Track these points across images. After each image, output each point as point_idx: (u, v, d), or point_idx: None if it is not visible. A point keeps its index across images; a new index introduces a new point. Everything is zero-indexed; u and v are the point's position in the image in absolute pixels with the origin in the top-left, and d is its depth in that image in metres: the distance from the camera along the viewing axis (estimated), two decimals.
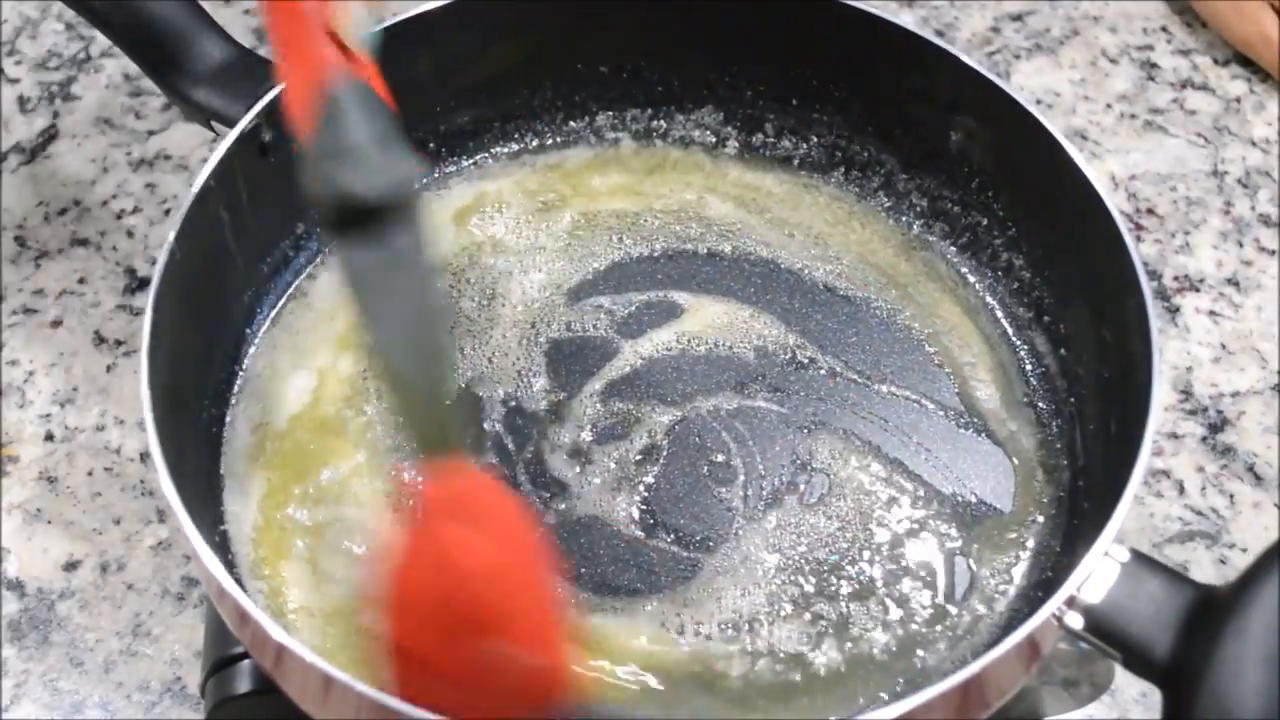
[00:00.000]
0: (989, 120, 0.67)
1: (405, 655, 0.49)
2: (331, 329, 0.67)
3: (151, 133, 0.89)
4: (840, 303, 0.68)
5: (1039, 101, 0.90)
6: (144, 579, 0.71)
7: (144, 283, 0.82)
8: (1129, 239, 0.58)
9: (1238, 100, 0.91)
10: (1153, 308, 0.56)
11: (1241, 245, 0.84)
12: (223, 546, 0.60)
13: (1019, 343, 0.67)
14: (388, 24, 0.67)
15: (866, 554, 0.60)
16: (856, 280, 0.69)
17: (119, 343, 0.79)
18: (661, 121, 0.74)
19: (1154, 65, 0.92)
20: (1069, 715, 0.64)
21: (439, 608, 0.48)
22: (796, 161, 0.73)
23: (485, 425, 0.63)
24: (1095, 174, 0.61)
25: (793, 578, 0.59)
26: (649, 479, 0.62)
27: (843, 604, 0.59)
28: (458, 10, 0.67)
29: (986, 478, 0.62)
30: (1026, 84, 0.91)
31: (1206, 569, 0.71)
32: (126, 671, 0.69)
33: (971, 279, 0.69)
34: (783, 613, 0.58)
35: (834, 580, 0.59)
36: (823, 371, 0.66)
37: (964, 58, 0.65)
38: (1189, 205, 0.86)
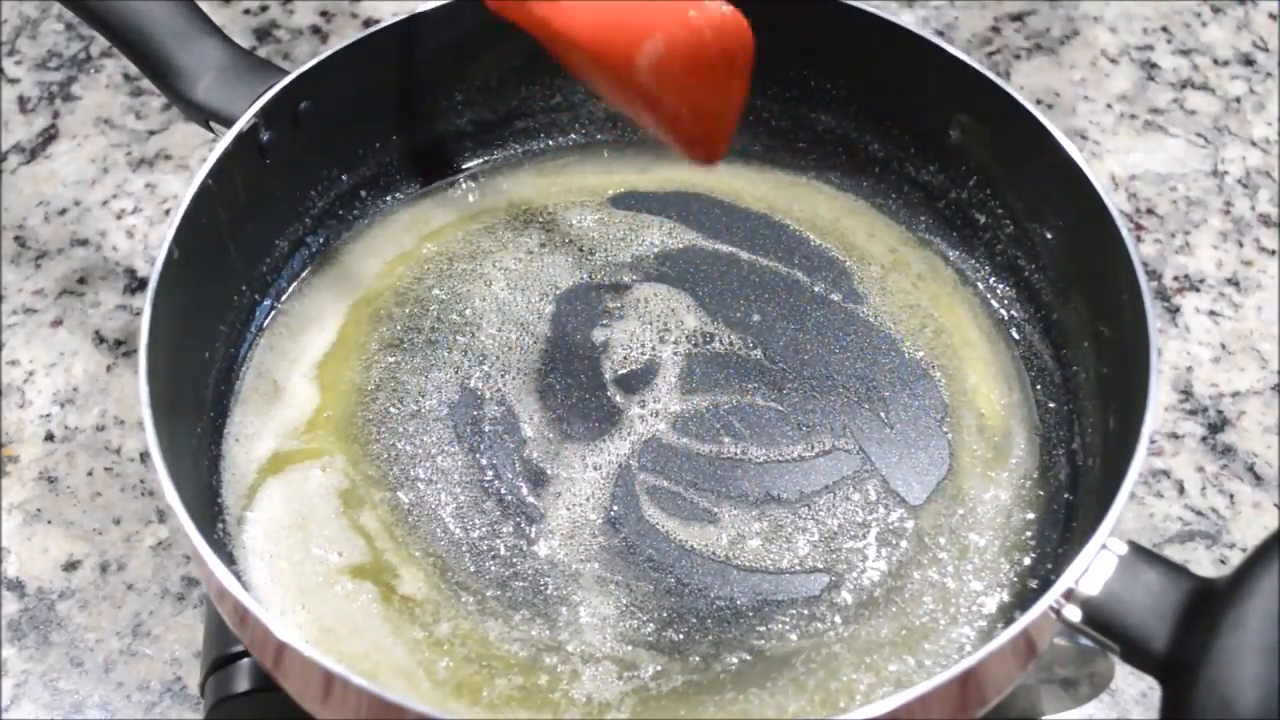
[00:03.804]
0: (989, 120, 0.67)
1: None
2: (331, 328, 0.67)
3: (151, 133, 0.89)
4: (839, 301, 0.68)
5: (1039, 101, 0.90)
6: (144, 579, 0.71)
7: (144, 283, 0.82)
8: (1129, 239, 0.58)
9: (1238, 100, 0.91)
10: (1151, 305, 0.56)
11: (1241, 245, 0.84)
12: (222, 546, 0.60)
13: (1018, 340, 0.67)
14: (386, 24, 0.67)
15: (861, 553, 0.60)
16: (855, 279, 0.69)
17: (119, 343, 0.79)
18: None
19: (1154, 65, 0.93)
20: (1068, 714, 0.64)
21: None
22: (796, 160, 0.73)
23: (483, 426, 0.63)
24: (1095, 174, 0.61)
25: (789, 574, 0.59)
26: (647, 473, 0.62)
27: (838, 601, 0.59)
28: (456, 10, 0.67)
29: (984, 476, 0.62)
30: (1026, 84, 0.91)
31: (1206, 569, 0.71)
32: (126, 671, 0.69)
33: (971, 277, 0.70)
34: (780, 607, 0.58)
35: (830, 577, 0.59)
36: (821, 371, 0.66)
37: (964, 58, 0.65)
38: (1189, 205, 0.86)
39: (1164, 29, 0.95)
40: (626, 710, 0.55)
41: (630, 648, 0.57)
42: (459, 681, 0.56)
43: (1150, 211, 0.86)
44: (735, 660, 0.57)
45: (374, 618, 0.58)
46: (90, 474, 0.75)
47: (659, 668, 0.56)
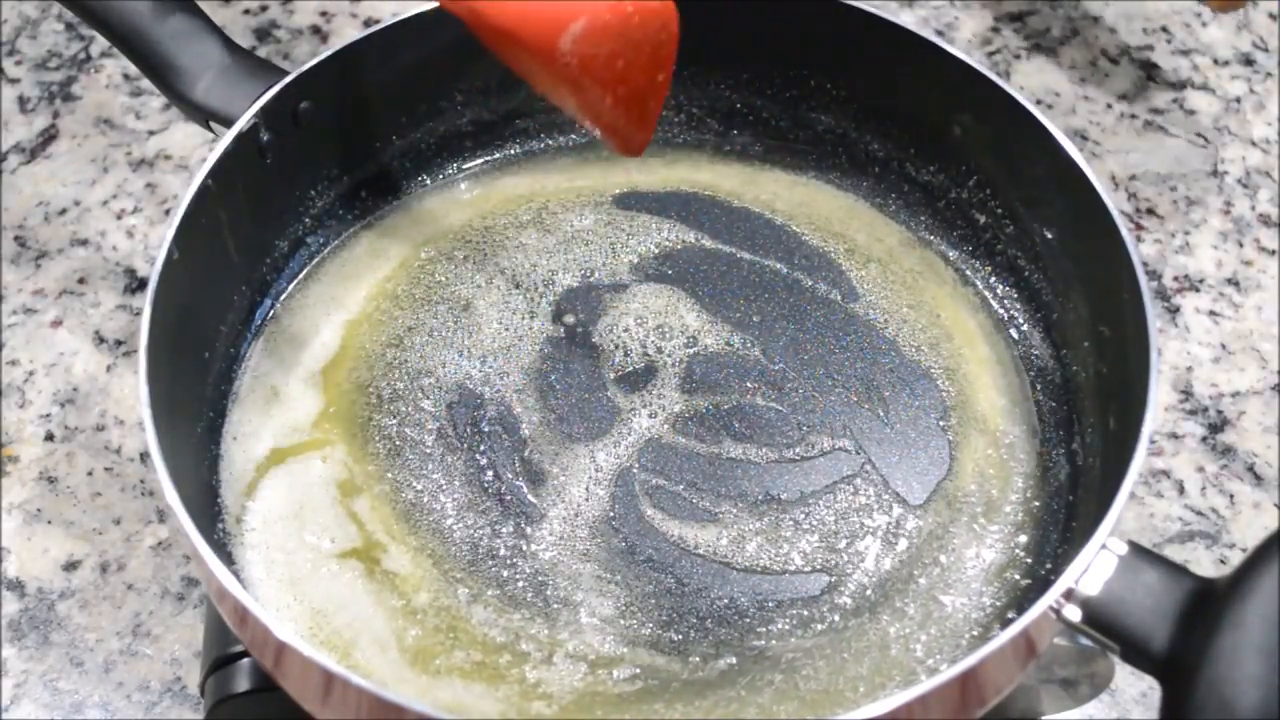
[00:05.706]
0: (989, 120, 0.67)
1: None
2: (331, 329, 0.67)
3: (151, 133, 0.89)
4: (839, 301, 0.68)
5: (1039, 101, 0.90)
6: (144, 579, 0.71)
7: (144, 283, 0.82)
8: (1129, 239, 0.58)
9: (1238, 100, 0.91)
10: (1151, 305, 0.56)
11: (1241, 245, 0.84)
12: (222, 546, 0.60)
13: (1018, 340, 0.67)
14: (386, 24, 0.67)
15: (860, 554, 0.60)
16: (855, 279, 0.69)
17: (119, 343, 0.79)
18: (661, 121, 0.74)
19: (1154, 65, 0.92)
20: (1068, 714, 0.64)
21: None
22: (796, 160, 0.73)
23: (483, 425, 0.63)
24: (1095, 174, 0.61)
25: (789, 575, 0.59)
26: (647, 474, 0.62)
27: (838, 602, 0.59)
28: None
29: (984, 476, 0.62)
30: (1026, 84, 0.91)
31: (1206, 569, 0.71)
32: (126, 671, 0.69)
33: (971, 277, 0.70)
34: (780, 608, 0.58)
35: (830, 578, 0.59)
36: (821, 371, 0.66)
37: (964, 57, 0.65)
38: (1189, 205, 0.86)
39: (1164, 29, 0.94)
40: (555, 708, 0.55)
41: (627, 648, 0.57)
42: (419, 649, 0.56)
43: (1150, 211, 0.86)
44: (734, 660, 0.57)
45: (359, 593, 0.58)
46: (90, 474, 0.75)
47: (637, 670, 0.56)
